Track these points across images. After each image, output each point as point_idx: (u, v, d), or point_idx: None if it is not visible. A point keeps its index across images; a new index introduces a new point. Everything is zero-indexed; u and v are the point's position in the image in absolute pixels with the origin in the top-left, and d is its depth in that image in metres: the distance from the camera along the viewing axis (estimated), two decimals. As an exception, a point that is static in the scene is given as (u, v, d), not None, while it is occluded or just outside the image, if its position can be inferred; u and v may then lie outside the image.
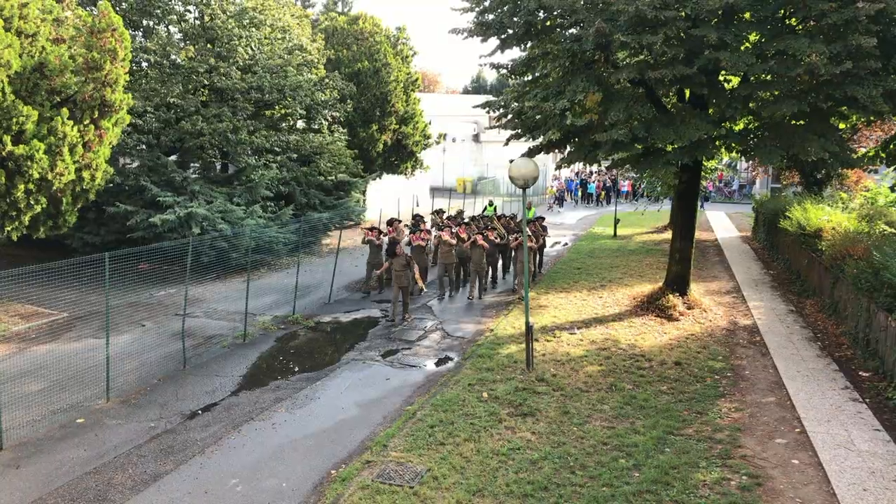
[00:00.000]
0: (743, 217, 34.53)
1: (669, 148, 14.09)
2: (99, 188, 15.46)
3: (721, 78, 14.73)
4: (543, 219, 21.24)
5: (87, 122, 14.51)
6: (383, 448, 9.07)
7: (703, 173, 22.08)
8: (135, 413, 10.38)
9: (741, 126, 15.78)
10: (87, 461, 8.81)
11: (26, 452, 9.01)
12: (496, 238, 18.77)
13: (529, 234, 17.19)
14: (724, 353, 12.98)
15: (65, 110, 13.84)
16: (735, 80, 15.14)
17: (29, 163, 13.16)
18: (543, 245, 20.65)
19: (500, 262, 20.00)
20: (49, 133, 13.56)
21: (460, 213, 24.62)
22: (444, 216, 22.69)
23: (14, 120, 12.98)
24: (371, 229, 18.74)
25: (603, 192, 46.07)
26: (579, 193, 47.11)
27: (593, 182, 47.27)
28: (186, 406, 10.66)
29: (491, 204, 29.08)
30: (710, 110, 14.26)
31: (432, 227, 21.63)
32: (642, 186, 43.87)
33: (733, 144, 14.81)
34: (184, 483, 8.31)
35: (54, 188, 13.92)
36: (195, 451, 9.16)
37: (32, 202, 13.67)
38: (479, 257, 17.34)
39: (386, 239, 18.40)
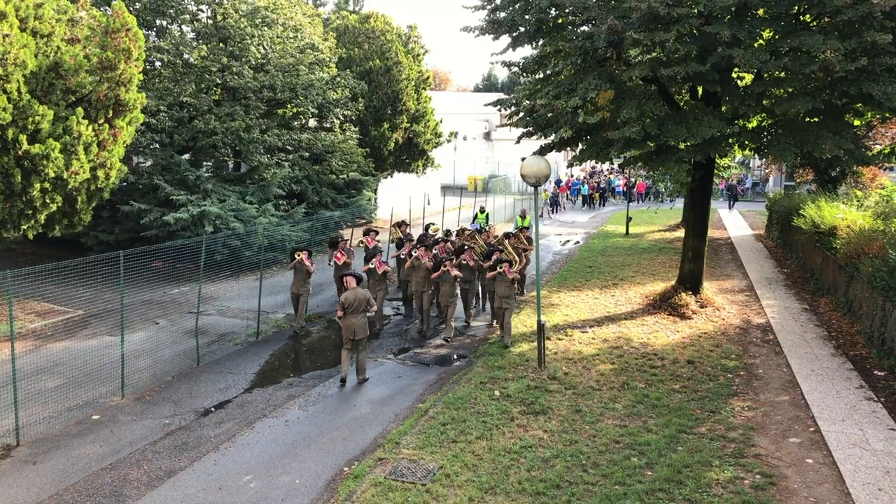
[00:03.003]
0: (756, 215, 34.33)
1: (682, 146, 14.02)
2: (113, 187, 15.59)
3: (734, 75, 14.63)
4: (528, 229, 18.97)
5: (101, 121, 14.62)
6: (396, 445, 9.10)
7: (716, 171, 21.95)
8: (149, 410, 10.47)
9: (754, 123, 15.69)
10: (103, 457, 8.89)
11: (43, 448, 9.12)
12: (473, 263, 15.12)
13: (511, 250, 15.48)
14: (737, 351, 12.91)
15: (80, 109, 13.96)
16: (748, 78, 15.04)
17: (45, 162, 13.28)
18: (527, 262, 17.35)
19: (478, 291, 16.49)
20: (64, 132, 13.68)
21: (448, 233, 18.58)
22: (428, 235, 17.86)
23: (30, 119, 13.11)
24: (334, 244, 15.89)
25: (597, 195, 43.46)
26: (578, 195, 44.11)
27: (585, 184, 44.51)
28: (200, 403, 10.74)
29: (482, 211, 24.74)
30: (724, 108, 14.18)
31: (394, 242, 17.90)
32: (648, 184, 43.35)
33: (746, 142, 14.70)
34: (198, 479, 8.38)
35: (69, 187, 14.04)
36: (209, 447, 9.23)
37: (48, 201, 13.80)
38: (449, 289, 13.92)
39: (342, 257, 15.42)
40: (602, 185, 44.88)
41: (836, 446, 8.88)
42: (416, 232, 20.22)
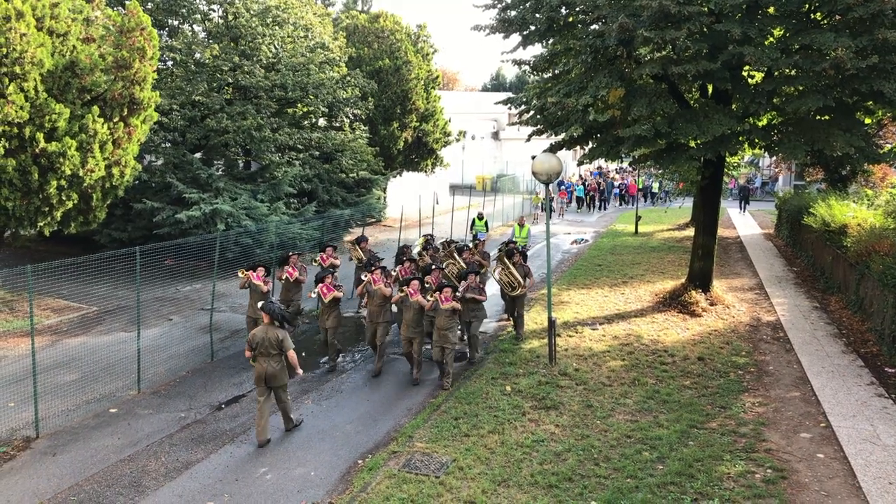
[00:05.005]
0: (765, 214, 34.28)
1: (692, 143, 14.06)
2: (128, 184, 15.77)
3: (745, 73, 14.65)
4: (515, 243, 15.84)
5: (116, 119, 14.79)
6: (409, 439, 9.20)
7: (725, 170, 21.94)
8: (165, 403, 10.61)
9: (765, 121, 15.70)
10: (121, 449, 9.03)
11: (62, 440, 9.26)
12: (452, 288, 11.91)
13: (513, 268, 13.39)
14: (747, 348, 12.95)
15: (95, 108, 14.12)
16: (759, 76, 15.05)
17: (61, 160, 13.45)
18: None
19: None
20: (80, 130, 13.85)
21: (427, 246, 15.88)
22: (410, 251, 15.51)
23: (47, 118, 13.28)
24: (284, 260, 13.68)
25: (595, 196, 40.39)
26: (571, 198, 40.15)
27: (581, 184, 40.81)
28: (215, 397, 10.87)
29: (480, 218, 22.01)
30: (734, 105, 14.22)
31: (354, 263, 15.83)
32: (647, 184, 41.79)
33: (757, 140, 14.72)
34: (215, 471, 8.50)
35: (85, 184, 14.22)
36: (225, 440, 9.36)
37: (64, 198, 13.97)
38: (413, 317, 11.39)
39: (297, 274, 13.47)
40: (602, 187, 41.54)
41: (847, 441, 8.93)
42: (418, 232, 20.20)
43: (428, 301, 11.20)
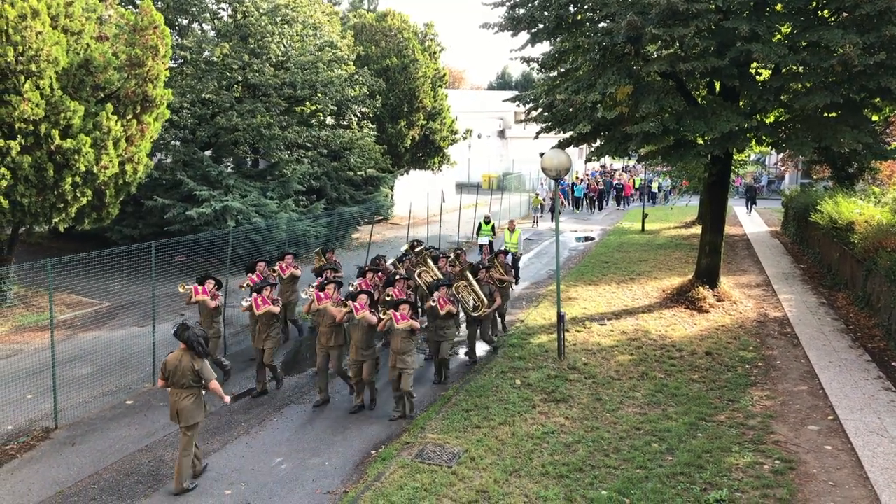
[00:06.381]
0: (772, 212, 34.31)
1: (700, 140, 14.16)
2: (140, 181, 15.93)
3: (752, 70, 14.74)
4: (506, 253, 14.76)
5: (129, 116, 14.96)
6: (421, 430, 9.34)
7: (732, 168, 22.00)
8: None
9: (772, 118, 15.77)
10: (138, 439, 9.20)
11: (80, 431, 9.43)
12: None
13: (470, 282, 12.01)
14: (754, 343, 13.05)
15: (109, 105, 14.29)
16: (766, 73, 15.13)
17: (76, 156, 13.62)
18: (505, 298, 13.71)
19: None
20: (94, 127, 14.02)
21: (406, 254, 14.51)
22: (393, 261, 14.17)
23: (62, 115, 13.45)
24: (251, 267, 12.46)
25: (595, 195, 38.76)
26: (570, 197, 38.47)
27: (582, 184, 39.19)
28: (228, 390, 10.96)
29: (487, 222, 20.40)
30: (742, 102, 14.31)
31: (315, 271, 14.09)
32: (647, 182, 40.93)
33: (764, 136, 14.80)
34: (231, 460, 8.65)
35: (99, 181, 14.38)
36: (240, 431, 9.51)
37: (79, 194, 14.14)
38: (362, 338, 9.96)
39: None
40: (602, 187, 40.09)
41: (855, 433, 9.02)
42: (426, 230, 20.18)
43: (381, 319, 9.83)
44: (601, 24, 14.37)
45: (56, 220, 14.34)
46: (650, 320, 14.62)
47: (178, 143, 20.69)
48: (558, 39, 15.45)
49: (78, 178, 13.93)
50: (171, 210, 19.10)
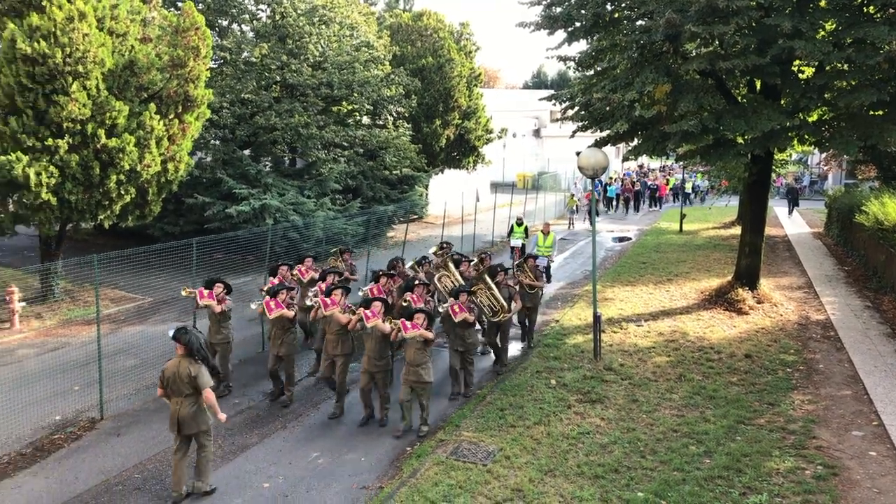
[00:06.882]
0: (814, 213, 33.54)
1: (740, 139, 13.92)
2: (182, 179, 16.28)
3: (795, 67, 14.45)
4: (536, 257, 14.15)
5: (171, 116, 15.30)
6: (456, 428, 9.37)
7: (773, 167, 21.58)
8: (220, 390, 10.95)
9: (815, 117, 15.43)
10: (180, 432, 9.38)
11: (125, 422, 9.69)
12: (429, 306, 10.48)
13: (489, 286, 11.37)
14: (796, 346, 12.79)
15: (152, 105, 14.64)
16: (809, 70, 14.82)
17: (121, 155, 13.99)
18: (535, 305, 13.05)
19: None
20: (138, 127, 14.37)
21: (424, 260, 13.82)
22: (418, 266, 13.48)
23: (107, 115, 13.83)
24: (273, 271, 11.95)
25: (630, 197, 37.47)
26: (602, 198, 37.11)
27: (615, 184, 38.14)
28: (266, 385, 11.17)
29: (520, 224, 19.82)
30: (783, 101, 14.03)
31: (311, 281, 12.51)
32: (679, 183, 40.13)
33: (807, 136, 14.50)
34: (269, 454, 8.80)
35: (142, 179, 14.74)
36: (278, 426, 9.67)
37: (123, 192, 14.51)
38: (375, 347, 9.44)
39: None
40: (637, 188, 39.00)
41: (901, 440, 8.80)
42: (461, 229, 20.05)
43: (392, 327, 9.30)
44: (639, 22, 14.24)
45: (101, 216, 14.74)
46: (688, 321, 14.43)
47: (217, 142, 21.08)
48: (595, 38, 15.34)
49: (122, 176, 14.30)
50: (211, 208, 19.46)
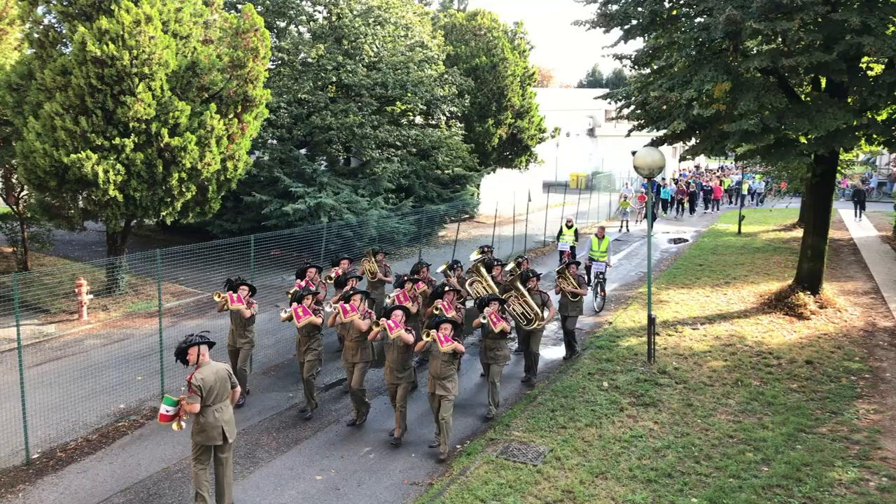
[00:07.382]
0: (882, 216, 32.18)
1: (803, 139, 13.49)
2: (240, 177, 16.67)
3: (863, 64, 13.91)
4: (579, 264, 13.38)
5: (231, 115, 15.69)
6: (506, 428, 9.36)
7: (838, 168, 20.82)
8: (275, 384, 11.23)
9: (885, 115, 14.83)
10: (237, 423, 9.52)
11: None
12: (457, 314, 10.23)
13: (521, 293, 10.76)
14: (861, 354, 12.32)
15: (213, 105, 15.04)
16: (879, 67, 14.24)
17: (182, 153, 14.43)
18: (577, 314, 12.43)
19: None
20: (199, 126, 14.79)
21: (455, 264, 13.15)
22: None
23: (171, 114, 14.27)
24: (301, 273, 11.69)
25: (686, 199, 35.75)
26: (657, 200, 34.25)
27: (669, 186, 36.12)
28: (320, 380, 11.36)
29: (570, 226, 18.84)
30: (850, 99, 13.53)
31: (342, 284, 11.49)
32: (735, 184, 38.28)
33: (875, 135, 13.95)
34: (321, 448, 8.96)
35: (202, 177, 15.16)
36: (330, 420, 9.83)
37: (184, 189, 14.96)
38: (398, 358, 9.00)
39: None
40: (692, 189, 36.96)
41: (974, 454, 8.39)
42: (512, 229, 19.89)
43: (421, 338, 8.87)
44: (698, 20, 13.94)
45: (164, 213, 15.22)
46: (746, 326, 14.06)
47: (275, 141, 21.53)
48: (652, 35, 15.10)
49: (184, 174, 14.74)
50: (268, 206, 19.89)
